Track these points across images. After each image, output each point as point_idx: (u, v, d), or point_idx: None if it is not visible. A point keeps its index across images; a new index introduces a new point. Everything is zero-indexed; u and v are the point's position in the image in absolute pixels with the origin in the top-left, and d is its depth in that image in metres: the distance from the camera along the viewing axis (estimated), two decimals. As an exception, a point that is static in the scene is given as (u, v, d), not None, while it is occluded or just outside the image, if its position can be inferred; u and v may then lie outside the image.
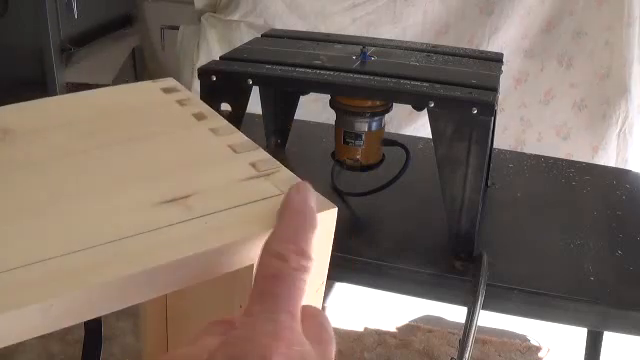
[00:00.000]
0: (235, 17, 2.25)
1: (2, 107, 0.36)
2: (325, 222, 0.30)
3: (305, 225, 0.28)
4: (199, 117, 0.38)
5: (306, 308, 0.28)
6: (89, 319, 0.24)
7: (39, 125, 0.36)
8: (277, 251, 0.27)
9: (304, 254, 0.27)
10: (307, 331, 0.26)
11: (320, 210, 0.30)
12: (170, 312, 0.43)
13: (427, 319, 1.96)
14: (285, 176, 0.33)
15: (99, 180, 0.32)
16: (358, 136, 1.00)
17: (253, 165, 0.34)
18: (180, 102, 0.40)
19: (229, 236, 0.28)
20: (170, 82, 0.42)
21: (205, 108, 0.39)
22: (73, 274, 0.23)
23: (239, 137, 0.36)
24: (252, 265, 0.29)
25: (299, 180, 0.33)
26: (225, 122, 0.38)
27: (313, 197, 0.30)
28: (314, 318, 0.28)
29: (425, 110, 0.88)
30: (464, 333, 0.87)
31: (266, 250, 0.27)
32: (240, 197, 0.31)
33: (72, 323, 0.23)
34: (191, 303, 0.40)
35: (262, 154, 0.35)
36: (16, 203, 0.29)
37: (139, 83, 0.42)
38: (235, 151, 0.35)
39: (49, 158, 0.33)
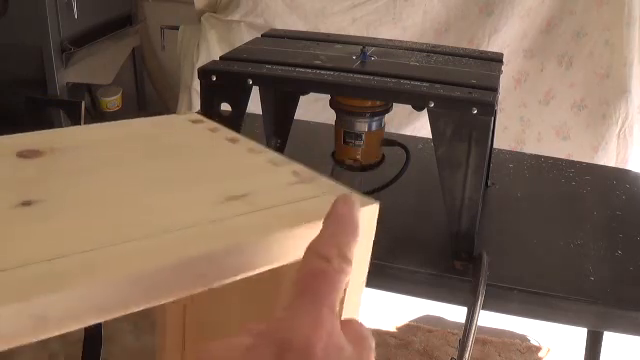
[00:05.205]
0: (235, 17, 2.25)
1: (40, 131, 0.38)
2: (367, 218, 0.33)
3: (348, 233, 0.30)
4: (233, 140, 0.41)
5: (346, 318, 0.30)
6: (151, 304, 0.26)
7: (81, 143, 0.38)
8: (322, 252, 0.28)
9: (345, 258, 0.29)
10: (345, 333, 0.28)
11: (363, 205, 0.32)
12: (188, 330, 0.44)
13: (427, 319, 1.96)
14: (324, 182, 0.37)
15: (146, 183, 0.34)
16: (358, 136, 1.00)
17: (295, 173, 0.37)
18: (211, 130, 0.41)
19: (286, 224, 0.31)
20: (195, 115, 0.44)
21: (235, 135, 0.42)
22: (134, 256, 0.26)
23: (276, 155, 0.40)
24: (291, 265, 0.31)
25: (344, 189, 0.36)
26: (257, 144, 0.40)
27: (358, 210, 0.31)
28: (352, 324, 0.29)
29: (425, 110, 0.88)
30: (464, 333, 0.87)
31: (311, 250, 0.29)
32: (289, 197, 0.34)
33: (142, 306, 0.25)
34: (211, 319, 0.41)
35: (300, 165, 0.38)
36: (79, 199, 0.31)
37: (164, 116, 0.44)
38: (276, 164, 0.38)
39: (99, 166, 0.35)
